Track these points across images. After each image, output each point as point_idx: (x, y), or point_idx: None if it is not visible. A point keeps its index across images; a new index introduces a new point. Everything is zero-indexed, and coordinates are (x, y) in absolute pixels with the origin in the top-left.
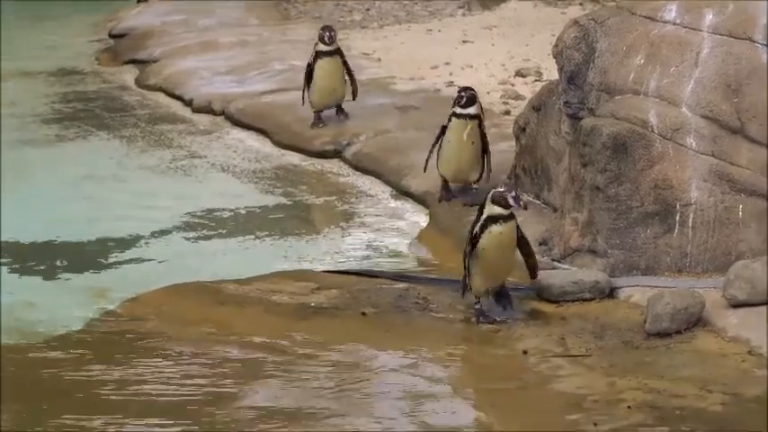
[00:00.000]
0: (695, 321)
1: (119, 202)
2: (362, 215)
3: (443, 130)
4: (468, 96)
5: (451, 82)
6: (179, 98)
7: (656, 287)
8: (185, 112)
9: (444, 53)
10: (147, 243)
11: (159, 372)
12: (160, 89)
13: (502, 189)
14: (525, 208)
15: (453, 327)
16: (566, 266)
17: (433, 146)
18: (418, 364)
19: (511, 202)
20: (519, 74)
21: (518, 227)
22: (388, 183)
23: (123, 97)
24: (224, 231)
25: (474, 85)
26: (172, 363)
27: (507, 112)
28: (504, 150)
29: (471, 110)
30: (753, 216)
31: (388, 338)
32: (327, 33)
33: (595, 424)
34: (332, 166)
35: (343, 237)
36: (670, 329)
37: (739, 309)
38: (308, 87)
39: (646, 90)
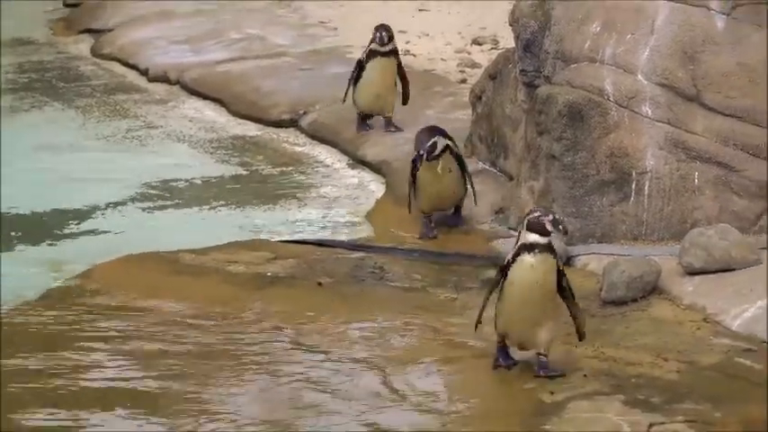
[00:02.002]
0: (651, 289)
1: (75, 172)
2: (319, 185)
3: (414, 165)
4: (432, 147)
5: (408, 50)
6: (134, 68)
7: (612, 255)
8: (141, 81)
9: (401, 21)
10: (103, 214)
11: (117, 342)
12: (115, 59)
13: (537, 213)
14: (566, 233)
15: (409, 295)
16: None
17: (410, 184)
18: (374, 334)
19: (549, 227)
20: (475, 42)
21: (561, 270)
22: (344, 152)
23: (78, 67)
24: (180, 201)
25: (430, 54)
26: (128, 332)
27: (464, 81)
28: (460, 119)
29: (438, 149)
30: (708, 183)
31: (345, 308)
32: (381, 33)
33: (552, 392)
34: (288, 135)
35: (299, 206)
36: (626, 297)
37: (695, 276)
38: (355, 86)
39: (602, 58)
